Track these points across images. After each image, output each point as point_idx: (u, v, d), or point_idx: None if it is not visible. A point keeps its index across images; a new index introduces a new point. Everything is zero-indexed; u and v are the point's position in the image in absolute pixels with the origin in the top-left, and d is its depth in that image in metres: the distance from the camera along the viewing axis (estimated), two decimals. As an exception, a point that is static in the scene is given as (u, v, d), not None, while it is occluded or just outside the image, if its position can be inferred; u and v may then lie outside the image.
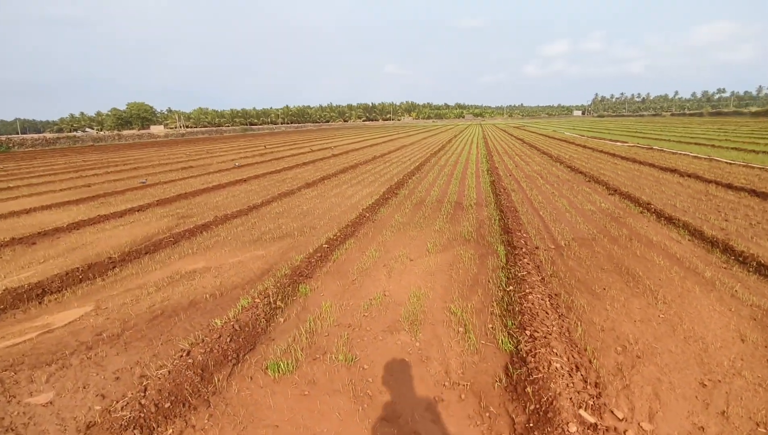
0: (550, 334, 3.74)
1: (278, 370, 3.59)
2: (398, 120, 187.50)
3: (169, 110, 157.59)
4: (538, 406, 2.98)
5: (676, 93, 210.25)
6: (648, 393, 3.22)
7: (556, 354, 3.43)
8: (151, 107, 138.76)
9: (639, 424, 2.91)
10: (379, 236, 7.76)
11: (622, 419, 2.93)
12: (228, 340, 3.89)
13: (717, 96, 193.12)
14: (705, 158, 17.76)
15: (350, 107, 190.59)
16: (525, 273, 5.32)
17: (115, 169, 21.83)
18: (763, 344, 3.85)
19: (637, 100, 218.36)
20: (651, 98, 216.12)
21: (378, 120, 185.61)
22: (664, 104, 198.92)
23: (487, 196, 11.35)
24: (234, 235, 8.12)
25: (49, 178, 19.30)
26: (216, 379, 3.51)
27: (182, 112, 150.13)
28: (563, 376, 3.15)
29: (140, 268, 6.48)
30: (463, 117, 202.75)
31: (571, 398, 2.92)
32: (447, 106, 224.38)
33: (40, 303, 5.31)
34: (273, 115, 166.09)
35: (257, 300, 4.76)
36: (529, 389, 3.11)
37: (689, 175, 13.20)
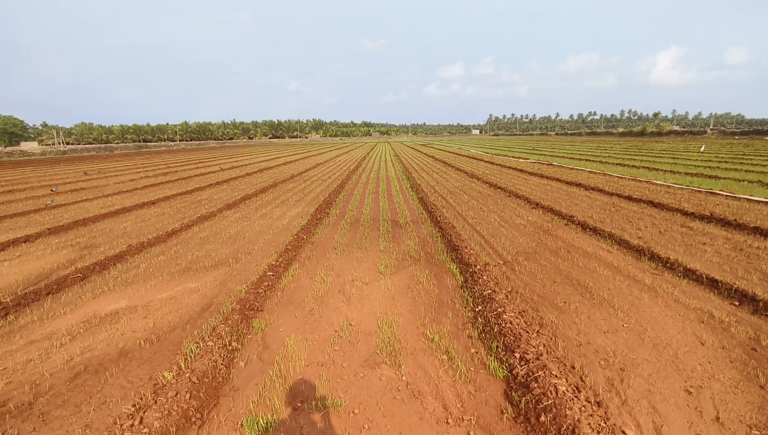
0: (542, 356, 3.65)
1: (257, 426, 3.06)
2: (305, 137, 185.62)
3: (45, 125, 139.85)
4: (557, 436, 2.82)
5: (558, 114, 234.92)
6: (646, 407, 3.23)
7: (556, 376, 3.33)
8: (21, 121, 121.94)
9: (654, 442, 2.88)
10: (324, 260, 7.31)
11: (638, 440, 2.89)
12: (187, 396, 3.25)
13: (590, 118, 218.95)
14: (599, 173, 19.72)
15: (255, 124, 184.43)
16: (490, 291, 5.27)
17: (-17, 193, 18.56)
18: (719, 346, 4.12)
19: (526, 120, 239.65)
20: (537, 119, 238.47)
21: (285, 137, 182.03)
22: (548, 124, 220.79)
23: (420, 213, 11.39)
24: (157, 266, 7.14)
25: None
26: (181, 448, 2.89)
27: (61, 128, 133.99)
28: (572, 399, 3.05)
29: (43, 312, 5.36)
30: (371, 135, 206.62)
31: (590, 424, 2.80)
32: (354, 124, 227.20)
33: None
34: (170, 131, 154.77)
35: (210, 343, 4.10)
36: (544, 418, 2.96)
37: (593, 189, 14.49)
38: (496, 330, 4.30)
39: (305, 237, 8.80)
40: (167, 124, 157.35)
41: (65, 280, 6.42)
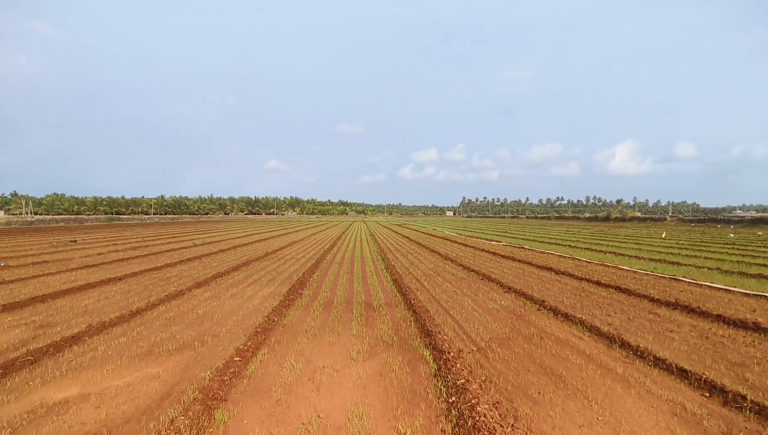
0: (517, 453, 3.53)
1: None
2: (282, 214, 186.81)
3: (14, 194, 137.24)
4: None
5: (527, 199, 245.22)
6: None
7: (532, 477, 3.20)
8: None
9: None
10: (294, 344, 7.09)
11: None
12: (136, 502, 2.96)
13: (558, 202, 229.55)
14: (569, 257, 20.30)
15: (232, 200, 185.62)
16: (463, 380, 5.17)
17: (-64, 265, 17.60)
18: (693, 442, 4.08)
19: (497, 204, 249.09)
20: (509, 202, 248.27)
21: (261, 214, 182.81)
22: (519, 208, 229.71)
23: (394, 296, 11.33)
24: (116, 349, 6.76)
25: None
26: None
27: (31, 198, 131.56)
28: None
29: (-16, 401, 4.94)
30: (347, 213, 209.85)
31: None
32: (331, 203, 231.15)
33: None
34: (145, 204, 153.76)
35: (167, 438, 3.82)
36: None
37: (563, 273, 14.84)
38: (470, 424, 4.17)
39: (276, 319, 8.57)
40: (142, 197, 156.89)
41: (13, 363, 5.99)
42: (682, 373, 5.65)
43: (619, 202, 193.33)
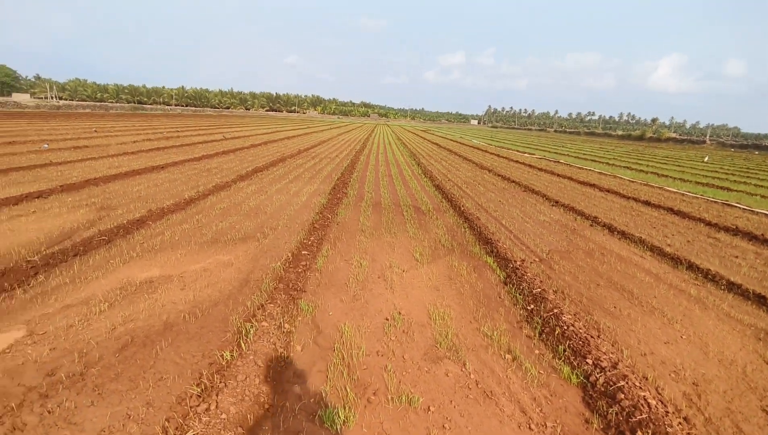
0: (618, 363, 3.52)
1: (332, 421, 2.88)
2: (303, 113, 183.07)
3: (37, 77, 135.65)
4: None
5: (557, 112, 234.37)
6: (730, 427, 3.11)
7: (640, 388, 3.20)
8: (14, 71, 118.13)
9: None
10: (354, 242, 7.10)
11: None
12: (257, 380, 3.06)
13: (588, 118, 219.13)
14: (609, 175, 19.67)
15: (253, 95, 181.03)
16: (539, 290, 5.13)
17: (-20, 142, 17.90)
18: (784, 365, 4.03)
19: (524, 115, 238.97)
20: (536, 114, 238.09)
21: (282, 111, 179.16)
22: (547, 121, 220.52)
23: (439, 202, 11.20)
24: (182, 235, 6.88)
25: None
26: (257, 437, 2.71)
27: (54, 82, 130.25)
28: (665, 415, 2.92)
29: (74, 275, 5.10)
30: (369, 116, 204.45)
31: (692, 444, 2.68)
32: (353, 104, 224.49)
33: (-63, 327, 3.85)
34: (166, 95, 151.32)
35: (265, 323, 3.91)
36: (641, 434, 2.82)
37: (608, 191, 14.41)
38: (558, 332, 4.16)
39: (329, 217, 8.57)
40: (163, 87, 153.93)
41: (90, 241, 6.13)
42: (760, 300, 5.52)
43: (654, 121, 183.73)
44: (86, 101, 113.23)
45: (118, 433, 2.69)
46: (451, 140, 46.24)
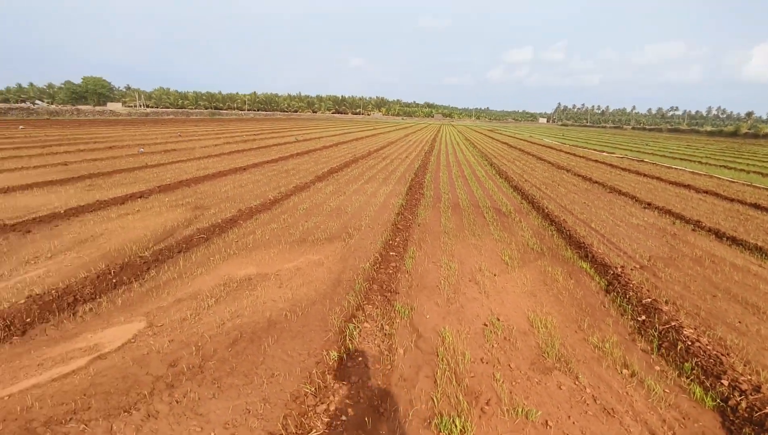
0: (761, 386, 3.13)
1: (450, 430, 2.79)
2: (368, 114, 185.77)
3: (128, 87, 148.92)
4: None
5: (634, 107, 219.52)
6: None
7: (796, 417, 2.81)
8: (109, 83, 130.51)
9: None
10: (439, 244, 6.99)
11: None
12: (369, 383, 3.05)
13: (670, 113, 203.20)
14: (704, 175, 18.02)
15: (320, 98, 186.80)
16: (650, 300, 4.73)
17: (87, 148, 19.82)
18: None
19: (597, 112, 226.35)
20: (610, 111, 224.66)
21: (347, 113, 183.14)
22: (622, 117, 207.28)
23: (519, 203, 10.81)
24: (272, 234, 7.13)
25: (11, 151, 17.24)
26: (375, 441, 2.68)
27: (142, 91, 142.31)
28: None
29: (180, 271, 5.43)
30: (433, 116, 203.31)
31: None
32: (416, 105, 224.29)
33: (73, 315, 4.23)
34: (239, 100, 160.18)
35: (367, 324, 3.91)
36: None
37: (706, 192, 13.17)
38: (680, 348, 3.79)
39: (410, 217, 8.52)
40: (237, 93, 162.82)
41: (190, 239, 6.52)
42: None
43: (749, 115, 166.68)
44: (169, 108, 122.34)
45: (242, 428, 2.77)
46: (521, 139, 44.76)
